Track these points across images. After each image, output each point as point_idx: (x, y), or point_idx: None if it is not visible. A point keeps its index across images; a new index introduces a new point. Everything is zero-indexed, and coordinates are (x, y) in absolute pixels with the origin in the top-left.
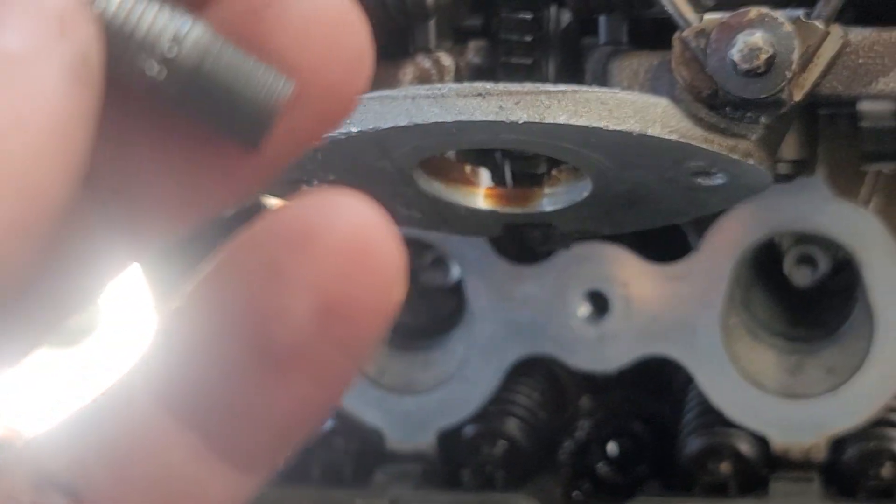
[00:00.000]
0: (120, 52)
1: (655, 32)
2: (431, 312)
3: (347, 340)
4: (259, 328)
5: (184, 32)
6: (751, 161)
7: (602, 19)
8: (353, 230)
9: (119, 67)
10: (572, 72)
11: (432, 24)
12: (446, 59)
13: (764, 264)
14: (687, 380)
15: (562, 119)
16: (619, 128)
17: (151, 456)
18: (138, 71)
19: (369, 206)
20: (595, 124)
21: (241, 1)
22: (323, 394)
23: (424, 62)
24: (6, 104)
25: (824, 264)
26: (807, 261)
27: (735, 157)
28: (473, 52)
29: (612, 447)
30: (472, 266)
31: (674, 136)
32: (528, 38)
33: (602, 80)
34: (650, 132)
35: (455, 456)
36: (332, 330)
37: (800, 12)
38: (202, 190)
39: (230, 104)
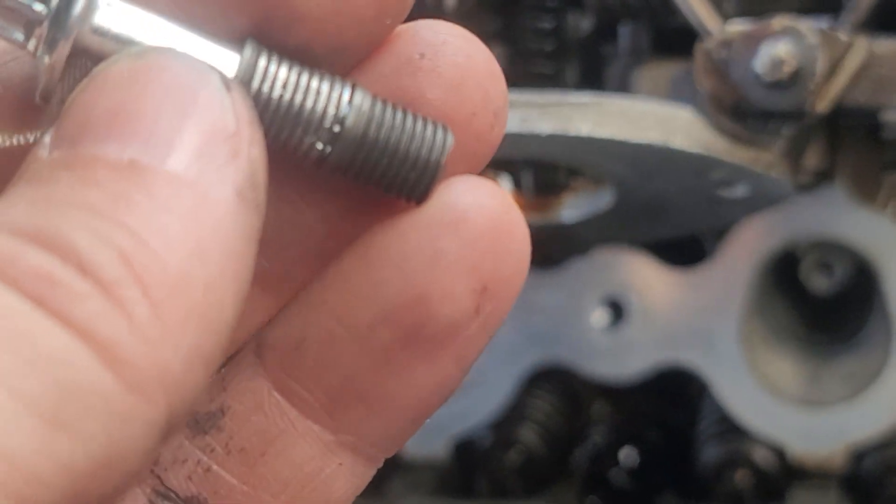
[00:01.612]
0: (284, 134)
1: (678, 40)
2: None
3: (494, 317)
4: (417, 311)
5: (346, 105)
6: (773, 173)
7: (623, 27)
8: (498, 212)
9: (284, 149)
10: (593, 80)
11: None
12: None
13: (782, 271)
14: (703, 386)
15: (585, 131)
16: (641, 140)
17: (281, 454)
18: (304, 150)
19: (501, 189)
20: (618, 137)
21: (395, 55)
22: (461, 372)
23: None
24: (186, 232)
25: (841, 271)
26: (823, 267)
27: (757, 169)
28: (494, 55)
29: (626, 455)
30: None
31: (696, 148)
32: (549, 48)
33: (624, 88)
34: (672, 144)
35: (469, 464)
36: (483, 308)
37: (824, 21)
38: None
39: (397, 163)
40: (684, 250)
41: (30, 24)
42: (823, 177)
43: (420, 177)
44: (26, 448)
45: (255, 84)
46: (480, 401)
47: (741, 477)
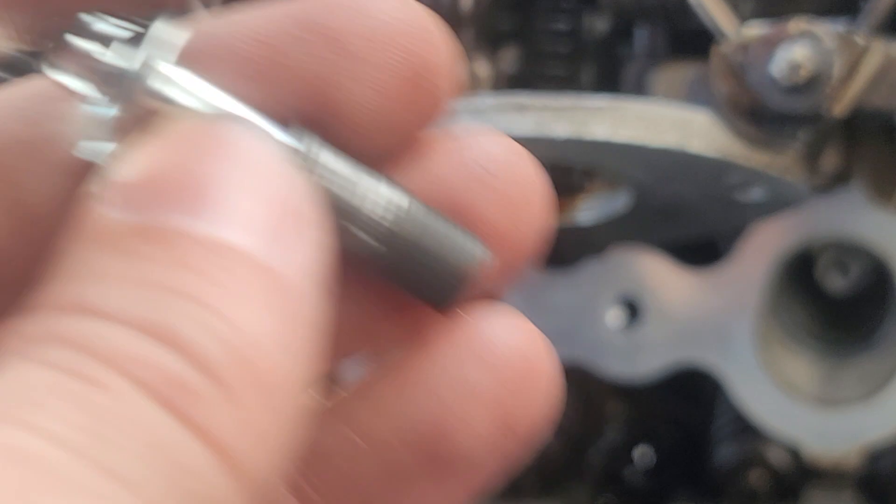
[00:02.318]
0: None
1: (694, 42)
2: None
3: (511, 452)
4: (439, 437)
5: (387, 201)
6: (789, 177)
7: (639, 29)
8: (527, 347)
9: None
10: (609, 82)
11: (468, 31)
12: (482, 68)
13: (798, 271)
14: (717, 385)
15: (601, 136)
16: (658, 144)
17: None
18: (347, 244)
19: (534, 328)
20: (635, 141)
21: (452, 159)
22: (469, 495)
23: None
24: (277, 324)
25: (856, 271)
26: (839, 268)
27: (774, 173)
28: (508, 59)
29: (640, 453)
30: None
31: (713, 152)
32: (565, 50)
33: (640, 90)
34: (689, 148)
35: None
36: (502, 442)
37: (841, 23)
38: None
39: (429, 270)
40: (699, 250)
41: (95, 75)
42: (840, 179)
43: (451, 287)
44: None
45: (314, 151)
46: None
47: (756, 476)
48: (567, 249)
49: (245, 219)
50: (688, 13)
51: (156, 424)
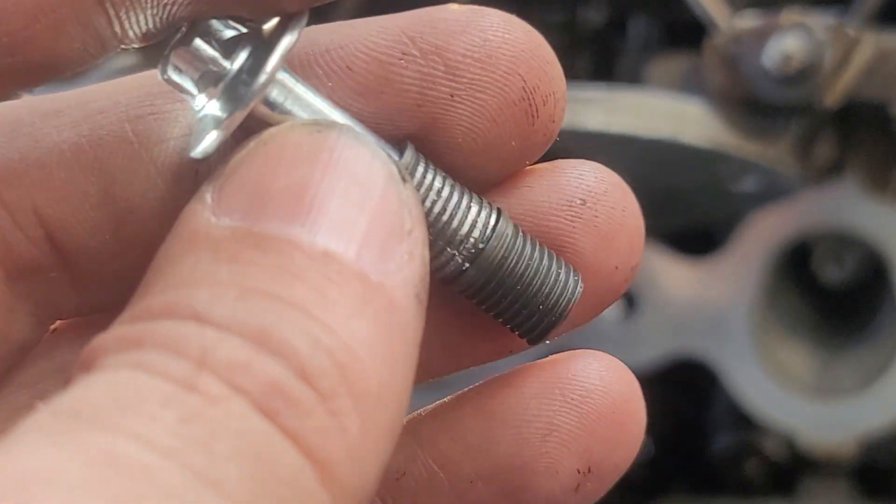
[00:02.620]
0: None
1: (688, 33)
2: None
3: (592, 496)
4: (522, 477)
5: (491, 227)
6: (782, 166)
7: (634, 21)
8: (622, 398)
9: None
10: (604, 73)
11: None
12: None
13: (794, 262)
14: (713, 375)
15: (594, 126)
16: (651, 135)
17: None
18: (443, 261)
19: (628, 372)
20: (628, 132)
21: (553, 190)
22: None
23: None
24: (380, 338)
25: (852, 262)
26: (834, 258)
27: (767, 163)
28: None
29: None
30: None
31: (705, 143)
32: (561, 41)
33: (635, 81)
34: (682, 139)
35: None
36: (585, 487)
37: (832, 14)
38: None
39: (524, 298)
40: (694, 240)
41: (208, 77)
42: (834, 170)
43: (542, 319)
44: None
45: (420, 170)
46: None
47: (751, 466)
48: None
49: (351, 230)
50: (682, 5)
51: (253, 431)
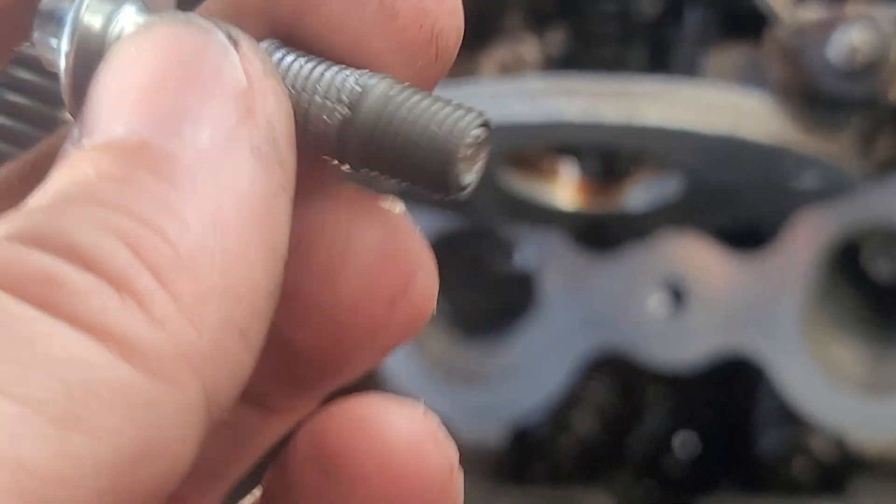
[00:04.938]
0: (305, 100)
1: (746, 23)
2: (498, 301)
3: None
4: None
5: (367, 74)
6: (843, 163)
7: (690, 10)
8: (413, 443)
9: (306, 122)
10: (659, 65)
11: (515, 12)
12: (528, 48)
13: (845, 257)
14: (761, 371)
15: (652, 121)
16: (710, 131)
17: None
18: (326, 115)
19: (427, 416)
20: (686, 127)
21: None
22: None
23: (507, 52)
24: (197, 205)
25: None
26: (885, 253)
27: (828, 159)
28: (556, 41)
29: (682, 440)
30: (547, 255)
31: (765, 137)
32: (614, 31)
33: (691, 73)
34: (741, 134)
35: (525, 450)
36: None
37: None
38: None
39: (416, 147)
40: (742, 234)
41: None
42: (891, 165)
43: (443, 162)
44: (38, 450)
45: (278, 55)
46: (535, 387)
47: (799, 465)
48: (612, 234)
49: (173, 113)
50: None
51: (23, 320)
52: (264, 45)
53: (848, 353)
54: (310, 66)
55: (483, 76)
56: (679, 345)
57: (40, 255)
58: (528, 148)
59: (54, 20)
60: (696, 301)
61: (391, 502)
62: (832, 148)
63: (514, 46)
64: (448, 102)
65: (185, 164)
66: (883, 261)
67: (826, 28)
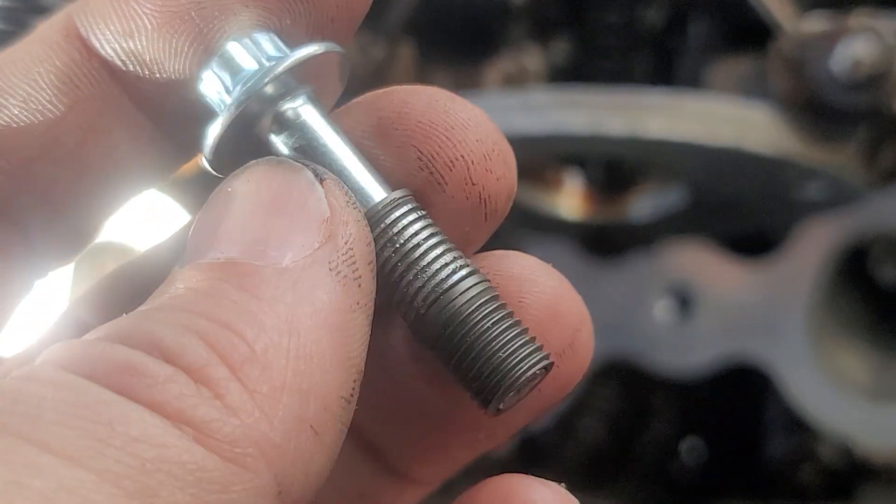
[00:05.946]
0: (394, 277)
1: (750, 35)
2: None
3: None
4: None
5: (459, 272)
6: (847, 173)
7: (694, 22)
8: None
9: (389, 292)
10: (663, 75)
11: (519, 23)
12: (533, 59)
13: (851, 264)
14: (767, 377)
15: (656, 133)
16: (714, 143)
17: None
18: (407, 300)
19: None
20: (691, 139)
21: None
22: None
23: (511, 63)
24: (275, 312)
25: None
26: (891, 260)
27: (832, 171)
28: (560, 51)
29: (689, 446)
30: (551, 262)
31: (769, 149)
32: (619, 42)
33: (695, 83)
34: (746, 146)
35: (531, 456)
36: None
37: None
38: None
39: (485, 357)
40: (749, 241)
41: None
42: (895, 174)
43: (499, 388)
44: None
45: (386, 221)
46: None
47: (806, 472)
48: (617, 243)
49: (262, 239)
50: (744, 5)
51: (103, 404)
52: (398, 194)
53: (854, 360)
54: (423, 235)
55: (487, 87)
56: (686, 351)
57: (124, 349)
58: (534, 160)
59: (231, 72)
60: (703, 308)
61: None
62: (836, 159)
63: (518, 57)
64: (521, 328)
65: (265, 278)
66: (889, 268)
67: (830, 40)
